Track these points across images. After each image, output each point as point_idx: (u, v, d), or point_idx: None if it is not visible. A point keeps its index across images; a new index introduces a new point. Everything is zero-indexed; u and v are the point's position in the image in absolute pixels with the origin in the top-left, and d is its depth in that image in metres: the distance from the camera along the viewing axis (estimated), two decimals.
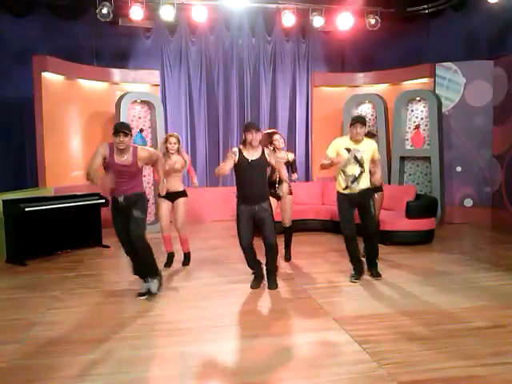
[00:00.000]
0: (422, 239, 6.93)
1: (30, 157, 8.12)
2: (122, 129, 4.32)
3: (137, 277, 4.82)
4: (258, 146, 4.66)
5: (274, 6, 8.78)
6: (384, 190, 6.19)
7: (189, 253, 5.93)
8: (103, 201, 6.97)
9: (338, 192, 5.06)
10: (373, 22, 8.79)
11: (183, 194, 5.64)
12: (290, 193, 5.83)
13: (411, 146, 8.89)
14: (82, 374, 3.13)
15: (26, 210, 6.02)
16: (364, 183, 4.97)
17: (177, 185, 5.59)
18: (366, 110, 9.38)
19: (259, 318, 4.14)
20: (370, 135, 5.62)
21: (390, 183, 8.78)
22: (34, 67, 7.46)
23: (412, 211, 6.87)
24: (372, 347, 3.43)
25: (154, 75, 8.99)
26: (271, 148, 5.56)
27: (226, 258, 6.17)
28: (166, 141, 5.56)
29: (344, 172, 4.94)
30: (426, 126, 8.75)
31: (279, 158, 5.46)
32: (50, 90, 7.69)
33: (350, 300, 4.53)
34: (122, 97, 8.11)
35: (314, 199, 8.44)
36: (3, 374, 3.15)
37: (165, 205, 5.58)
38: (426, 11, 9.26)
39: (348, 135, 5.01)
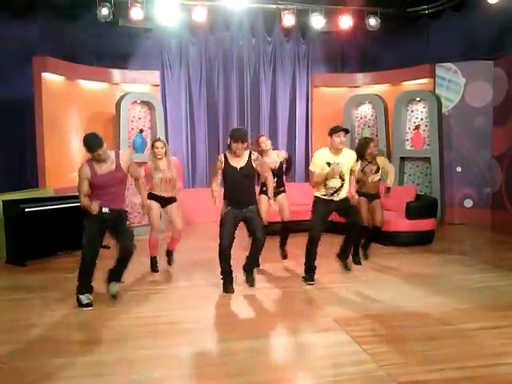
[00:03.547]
0: (421, 240, 6.93)
1: (30, 157, 8.11)
2: (96, 146, 4.12)
3: (119, 282, 4.65)
4: (242, 154, 4.62)
5: (274, 6, 8.79)
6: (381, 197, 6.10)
7: (172, 251, 5.77)
8: None
9: (316, 196, 5.02)
10: (373, 22, 8.80)
11: (175, 199, 5.57)
12: (284, 191, 5.92)
13: (411, 146, 8.90)
14: (82, 375, 3.13)
15: (26, 210, 6.02)
16: (343, 193, 4.98)
17: (169, 190, 5.48)
18: (365, 110, 9.38)
19: (259, 319, 4.14)
20: (367, 141, 5.76)
21: None
22: (34, 68, 7.47)
23: (412, 212, 6.88)
24: (372, 348, 3.43)
25: (154, 76, 8.99)
26: (259, 150, 5.65)
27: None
28: (153, 146, 5.48)
29: (325, 185, 4.89)
30: (426, 126, 8.75)
31: (267, 162, 5.47)
32: (50, 91, 7.70)
33: (350, 300, 4.53)
34: (122, 97, 8.11)
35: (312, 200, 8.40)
36: (2, 375, 3.14)
37: (156, 207, 5.46)
38: (426, 12, 9.27)
39: (327, 147, 4.90)
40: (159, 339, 3.69)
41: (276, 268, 5.77)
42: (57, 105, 7.80)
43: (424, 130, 8.80)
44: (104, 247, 6.93)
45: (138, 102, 8.38)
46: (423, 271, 5.54)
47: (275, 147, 6.11)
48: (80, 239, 6.68)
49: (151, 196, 5.39)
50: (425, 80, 8.98)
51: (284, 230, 6.05)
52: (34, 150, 7.66)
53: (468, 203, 8.72)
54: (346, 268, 5.31)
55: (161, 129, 8.43)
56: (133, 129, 8.29)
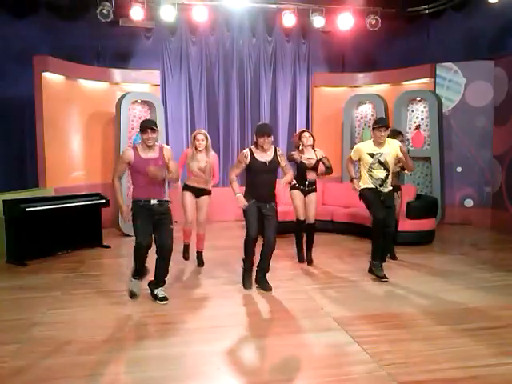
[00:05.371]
0: (422, 240, 6.92)
1: (30, 157, 8.12)
2: (149, 125, 4.35)
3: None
4: (269, 148, 4.71)
5: (275, 6, 8.79)
6: (402, 190, 6.18)
7: (202, 252, 5.90)
8: (103, 201, 6.98)
9: (364, 188, 5.08)
10: (373, 22, 8.78)
11: (208, 192, 5.67)
12: (315, 190, 5.91)
13: (411, 146, 8.89)
14: (83, 375, 3.13)
15: (27, 210, 6.02)
16: (390, 185, 5.12)
17: (204, 181, 5.59)
18: (366, 110, 9.38)
19: (260, 319, 4.14)
20: (394, 134, 5.72)
21: None
22: (35, 67, 7.46)
23: (412, 211, 6.87)
24: (372, 348, 3.44)
25: (155, 75, 8.99)
26: (300, 145, 5.75)
27: (226, 259, 6.16)
28: (194, 138, 5.56)
29: (371, 176, 5.03)
30: (427, 126, 8.75)
31: (304, 156, 5.70)
32: (51, 91, 7.69)
33: (350, 300, 4.53)
34: (122, 97, 8.10)
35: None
36: (3, 375, 3.15)
37: (190, 197, 5.61)
38: (427, 11, 9.26)
39: (371, 139, 5.11)
40: (162, 339, 3.69)
41: (276, 267, 5.77)
42: (57, 105, 7.80)
43: (424, 130, 8.80)
44: (105, 247, 6.97)
45: (139, 101, 8.39)
46: (423, 271, 5.54)
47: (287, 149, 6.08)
48: (80, 239, 6.77)
49: (185, 187, 5.61)
50: (425, 80, 8.98)
51: (308, 233, 5.95)
52: (35, 150, 7.66)
53: (468, 203, 8.72)
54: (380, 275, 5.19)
55: (161, 129, 8.42)
56: (133, 128, 8.28)
